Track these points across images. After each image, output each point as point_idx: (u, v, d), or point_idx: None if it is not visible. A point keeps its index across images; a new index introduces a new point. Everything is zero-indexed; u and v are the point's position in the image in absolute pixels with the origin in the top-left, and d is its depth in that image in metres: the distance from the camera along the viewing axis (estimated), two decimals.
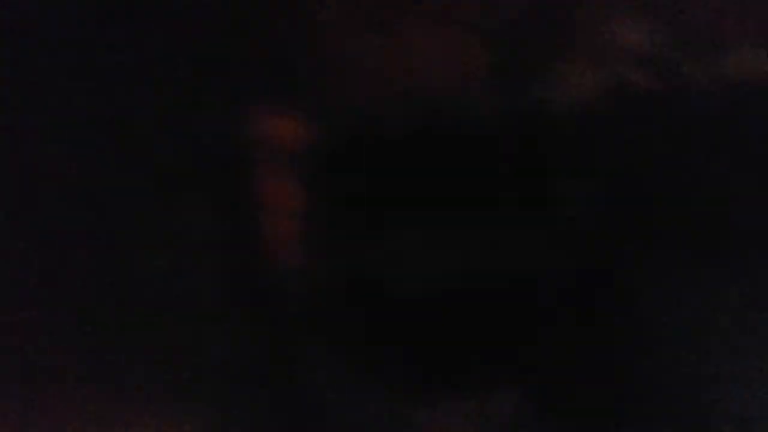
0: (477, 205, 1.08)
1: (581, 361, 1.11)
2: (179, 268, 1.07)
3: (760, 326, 1.06)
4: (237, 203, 1.04)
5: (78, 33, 1.11)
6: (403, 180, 1.09)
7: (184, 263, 1.07)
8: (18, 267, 1.15)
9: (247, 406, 1.08)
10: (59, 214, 1.13)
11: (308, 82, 1.00)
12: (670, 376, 1.06)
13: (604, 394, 1.11)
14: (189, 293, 1.07)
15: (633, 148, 1.03)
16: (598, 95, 1.00)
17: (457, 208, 1.09)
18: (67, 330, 1.15)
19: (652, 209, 1.07)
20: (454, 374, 1.12)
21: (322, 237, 1.05)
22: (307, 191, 1.00)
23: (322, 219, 1.02)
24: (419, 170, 1.08)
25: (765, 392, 1.07)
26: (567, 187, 1.07)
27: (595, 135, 1.03)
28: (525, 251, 1.08)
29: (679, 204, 1.07)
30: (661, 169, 1.05)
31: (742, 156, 1.05)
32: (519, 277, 1.09)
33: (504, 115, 1.01)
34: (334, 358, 1.06)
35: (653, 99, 0.98)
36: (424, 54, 1.04)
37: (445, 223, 1.09)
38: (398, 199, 1.09)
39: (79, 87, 1.11)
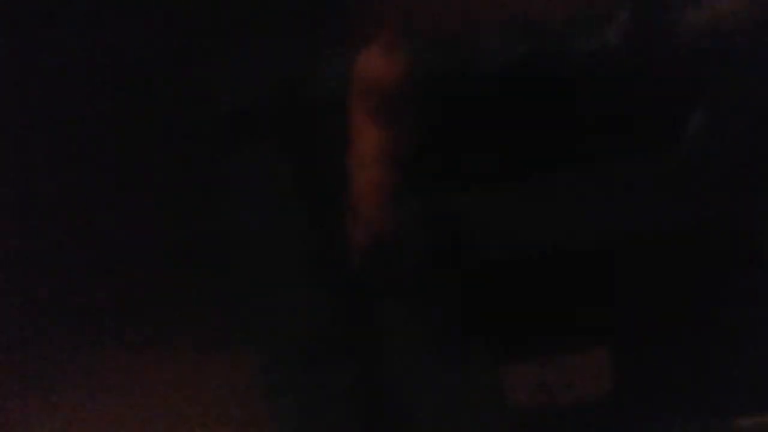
0: (589, 151, 1.00)
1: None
2: (261, 217, 1.00)
3: None
4: (321, 147, 0.95)
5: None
6: (503, 124, 1.01)
7: (267, 212, 0.99)
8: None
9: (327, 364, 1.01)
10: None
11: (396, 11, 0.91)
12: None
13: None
14: (270, 243, 1.01)
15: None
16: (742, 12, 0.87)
17: (566, 154, 1.02)
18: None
19: None
20: (548, 331, 1.08)
21: (412, 186, 0.95)
22: (398, 135, 0.90)
23: (413, 166, 0.92)
24: (523, 113, 0.99)
25: None
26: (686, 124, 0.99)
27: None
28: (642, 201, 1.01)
29: None
30: None
31: None
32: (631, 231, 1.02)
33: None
34: (420, 312, 0.98)
35: None
36: None
37: (547, 171, 1.02)
38: (497, 145, 1.01)
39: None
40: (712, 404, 1.05)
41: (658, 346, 1.11)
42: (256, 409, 1.05)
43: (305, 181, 1.00)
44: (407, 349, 0.98)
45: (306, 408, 0.96)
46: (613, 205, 1.00)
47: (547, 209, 1.01)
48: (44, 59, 1.12)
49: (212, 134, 1.00)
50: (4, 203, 1.17)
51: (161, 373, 1.15)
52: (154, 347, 1.15)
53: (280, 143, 0.99)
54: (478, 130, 0.99)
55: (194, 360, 1.14)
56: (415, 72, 0.85)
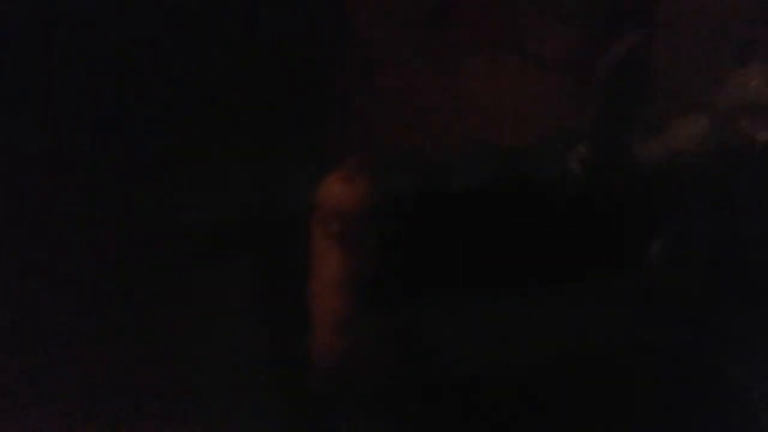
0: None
1: None
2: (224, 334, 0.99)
3: None
4: (286, 268, 0.94)
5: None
6: (464, 244, 0.99)
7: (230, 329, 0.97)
8: None
9: None
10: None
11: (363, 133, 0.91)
12: None
13: None
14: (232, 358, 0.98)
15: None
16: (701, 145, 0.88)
17: (528, 274, 1.00)
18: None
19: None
20: None
21: (372, 309, 0.94)
22: (360, 259, 0.89)
23: (375, 289, 0.92)
24: (485, 234, 0.98)
25: None
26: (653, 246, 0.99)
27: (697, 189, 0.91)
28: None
29: None
30: None
31: None
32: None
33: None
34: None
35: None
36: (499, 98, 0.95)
37: (510, 290, 1.01)
38: (459, 265, 1.02)
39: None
40: None
41: None
42: None
43: (268, 300, 0.99)
44: None
45: None
46: (572, 324, 1.00)
47: (510, 326, 1.01)
48: None
49: (179, 250, 1.00)
50: None
51: None
52: None
53: (245, 262, 0.99)
54: (440, 251, 0.99)
55: None
56: (377, 198, 0.85)
